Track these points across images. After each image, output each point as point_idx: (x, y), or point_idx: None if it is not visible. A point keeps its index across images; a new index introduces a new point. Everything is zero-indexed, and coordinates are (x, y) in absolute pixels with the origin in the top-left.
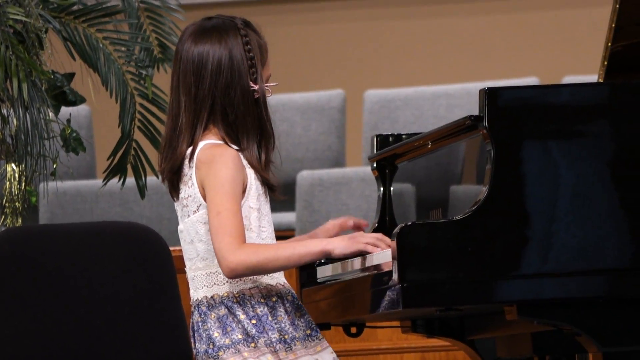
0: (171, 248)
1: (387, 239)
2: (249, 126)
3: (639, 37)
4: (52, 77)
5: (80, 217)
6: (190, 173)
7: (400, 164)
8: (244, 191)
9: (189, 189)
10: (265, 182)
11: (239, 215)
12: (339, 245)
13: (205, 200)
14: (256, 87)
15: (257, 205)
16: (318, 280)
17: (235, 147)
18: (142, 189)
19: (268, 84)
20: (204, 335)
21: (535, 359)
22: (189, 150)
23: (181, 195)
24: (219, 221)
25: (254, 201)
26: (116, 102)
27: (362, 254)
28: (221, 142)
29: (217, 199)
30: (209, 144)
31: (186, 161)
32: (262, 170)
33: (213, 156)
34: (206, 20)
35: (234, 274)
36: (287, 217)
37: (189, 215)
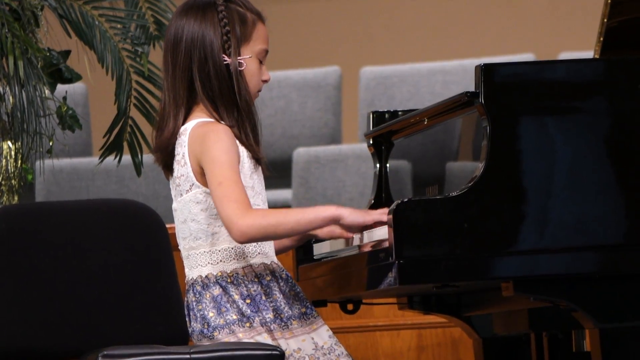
0: (167, 225)
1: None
2: (225, 100)
3: (635, 13)
4: (48, 54)
5: (76, 194)
6: (182, 152)
7: (397, 140)
8: None
9: (182, 168)
10: (253, 156)
11: (240, 183)
12: (349, 213)
13: (197, 180)
14: (229, 61)
15: (251, 183)
16: (314, 257)
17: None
18: (138, 166)
19: (242, 57)
20: (199, 315)
21: (532, 335)
22: (181, 129)
23: (174, 174)
24: (221, 191)
25: (247, 179)
26: (112, 80)
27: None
28: (211, 119)
29: (216, 171)
30: (200, 121)
31: (178, 140)
32: (246, 143)
33: (205, 132)
34: None
35: (245, 238)
36: (283, 194)
37: (182, 195)
